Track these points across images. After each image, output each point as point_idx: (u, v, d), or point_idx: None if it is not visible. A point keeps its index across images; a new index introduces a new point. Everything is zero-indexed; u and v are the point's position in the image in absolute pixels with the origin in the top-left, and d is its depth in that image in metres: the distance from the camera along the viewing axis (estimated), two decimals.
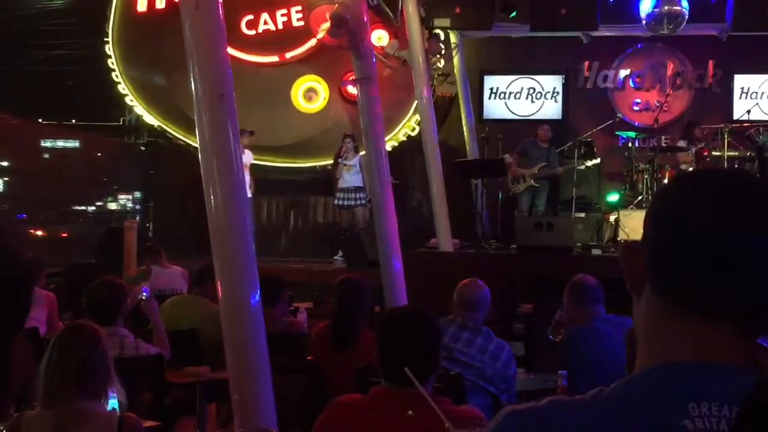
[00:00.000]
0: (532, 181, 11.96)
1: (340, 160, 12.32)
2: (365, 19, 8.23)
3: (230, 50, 14.55)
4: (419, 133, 12.32)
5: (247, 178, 11.51)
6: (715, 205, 1.20)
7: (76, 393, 3.46)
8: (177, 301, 6.94)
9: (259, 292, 4.67)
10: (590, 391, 1.22)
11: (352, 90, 13.32)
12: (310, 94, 14.22)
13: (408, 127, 13.77)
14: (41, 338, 6.49)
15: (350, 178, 12.29)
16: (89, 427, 3.44)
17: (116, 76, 14.71)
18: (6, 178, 16.70)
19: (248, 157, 11.96)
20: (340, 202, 12.57)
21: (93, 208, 17.29)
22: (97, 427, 3.47)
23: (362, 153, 10.79)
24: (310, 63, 14.12)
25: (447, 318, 5.08)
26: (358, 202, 12.30)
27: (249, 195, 11.38)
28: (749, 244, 1.17)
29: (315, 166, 14.34)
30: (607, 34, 12.84)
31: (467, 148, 13.56)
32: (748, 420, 1.09)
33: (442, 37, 12.89)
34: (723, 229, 1.18)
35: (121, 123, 18.49)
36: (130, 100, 14.77)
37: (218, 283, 4.62)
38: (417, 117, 12.93)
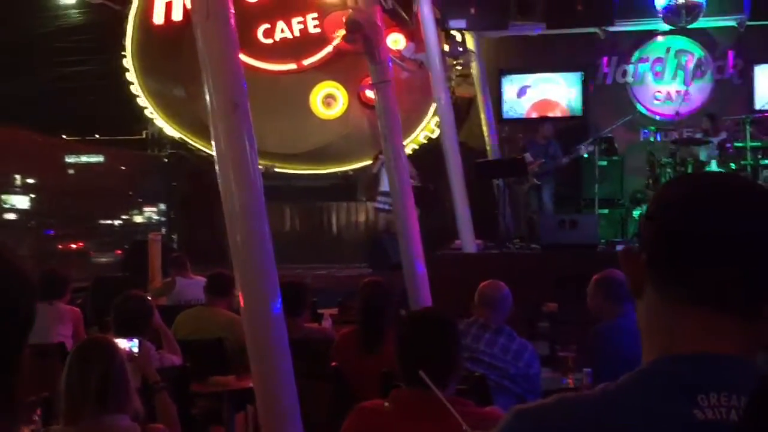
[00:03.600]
0: (534, 179, 11.91)
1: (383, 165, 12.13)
2: (379, 23, 8.24)
3: (247, 59, 14.71)
4: (439, 134, 12.30)
5: None
6: (710, 199, 1.22)
7: (98, 408, 3.47)
8: (198, 313, 6.93)
9: (280, 299, 4.67)
10: (598, 386, 1.22)
11: (370, 94, 13.33)
12: (328, 100, 14.25)
13: (428, 129, 13.77)
14: (68, 354, 6.54)
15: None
16: None
17: (135, 89, 14.81)
18: (32, 195, 16.82)
19: None
20: (385, 206, 12.38)
21: (119, 221, 17.39)
22: None
23: None
24: (328, 69, 14.16)
25: (469, 320, 5.07)
26: None
27: None
28: (745, 232, 1.19)
29: (336, 172, 14.37)
30: (625, 28, 12.77)
31: (488, 148, 13.53)
32: (759, 409, 1.09)
33: (459, 39, 12.87)
34: (719, 219, 1.20)
35: (144, 136, 18.60)
36: (150, 113, 14.87)
37: (240, 292, 4.63)
38: (436, 119, 12.92)
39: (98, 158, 18.15)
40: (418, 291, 7.94)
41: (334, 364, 5.47)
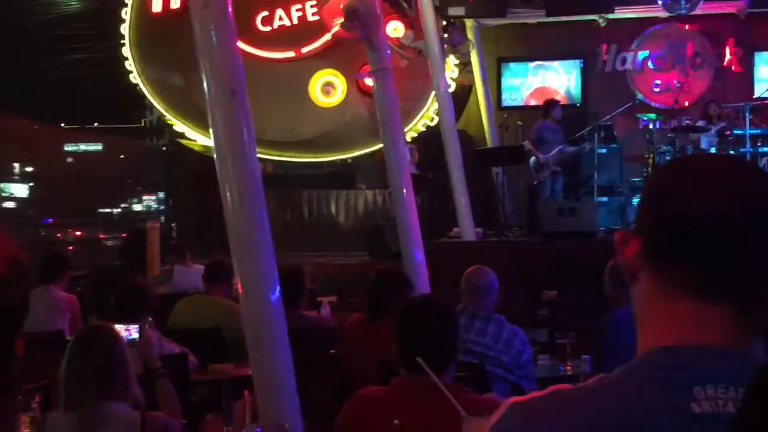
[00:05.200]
0: (555, 167, 11.85)
1: None
2: (378, 11, 8.22)
3: (246, 47, 14.64)
4: (437, 123, 12.30)
5: None
6: (703, 184, 1.20)
7: (98, 394, 3.48)
8: (196, 301, 6.92)
9: (278, 287, 4.67)
10: (593, 378, 1.21)
11: (369, 82, 13.30)
12: (327, 88, 14.21)
13: (427, 117, 13.74)
14: (67, 342, 6.55)
15: None
16: (112, 429, 3.46)
17: (134, 77, 14.77)
18: (31, 184, 16.81)
19: None
20: None
21: (118, 210, 17.39)
22: (119, 428, 3.48)
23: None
24: (327, 57, 14.11)
25: (458, 307, 5.06)
26: None
27: None
28: (734, 217, 1.17)
29: (335, 160, 14.35)
30: (625, 15, 12.73)
31: (487, 136, 13.51)
32: (756, 401, 1.08)
33: (458, 27, 12.83)
34: (713, 206, 1.17)
35: (143, 124, 18.58)
36: (149, 101, 14.83)
37: (237, 280, 4.62)
38: (436, 107, 12.92)
39: (97, 147, 18.14)
40: (416, 279, 7.92)
41: (333, 351, 5.48)
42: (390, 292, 5.48)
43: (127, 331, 4.44)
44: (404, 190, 8.10)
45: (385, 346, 5.12)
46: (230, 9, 4.77)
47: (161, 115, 15.07)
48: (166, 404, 4.21)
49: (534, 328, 6.81)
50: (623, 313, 4.98)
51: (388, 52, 8.37)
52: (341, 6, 8.47)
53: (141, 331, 4.56)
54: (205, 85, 4.71)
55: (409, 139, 12.86)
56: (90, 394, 3.49)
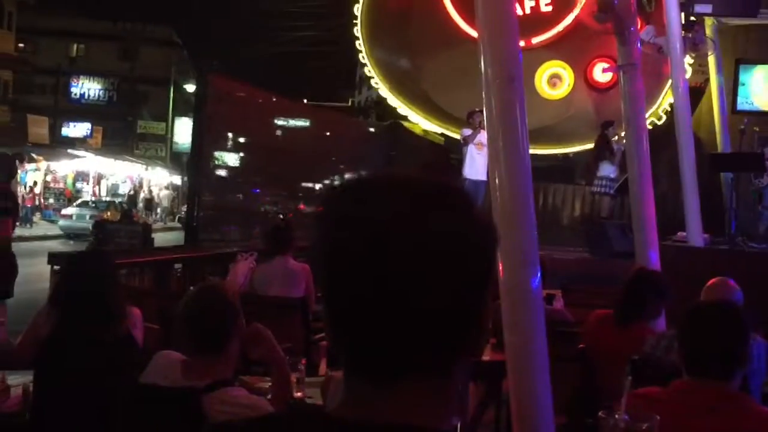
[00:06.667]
0: None
1: (616, 148, 11.75)
2: (632, 2, 8.04)
3: (476, 33, 14.55)
4: (664, 122, 11.90)
5: (485, 159, 11.47)
6: None
7: None
8: None
9: (540, 275, 4.65)
10: None
11: (599, 77, 13.07)
12: (554, 80, 14.07)
13: (654, 116, 13.37)
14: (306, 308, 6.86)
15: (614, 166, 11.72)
16: None
17: (362, 57, 15.12)
18: (242, 154, 17.45)
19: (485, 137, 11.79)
20: (605, 190, 12.00)
21: (320, 185, 17.84)
22: None
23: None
24: (556, 49, 13.97)
25: None
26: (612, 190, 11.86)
27: (485, 178, 11.33)
28: None
29: (556, 154, 14.17)
30: None
31: (718, 139, 12.99)
32: None
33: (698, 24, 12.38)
34: None
35: (350, 104, 18.98)
36: (375, 82, 15.13)
37: (500, 263, 4.63)
38: (664, 106, 12.52)
39: (305, 122, 18.67)
40: None
41: (582, 345, 5.42)
42: (646, 294, 5.38)
43: None
44: (644, 189, 7.91)
45: (633, 347, 5.05)
46: None
47: (383, 98, 15.34)
48: None
49: None
50: None
51: (639, 47, 8.16)
52: None
53: None
54: (482, 69, 4.74)
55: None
56: None
